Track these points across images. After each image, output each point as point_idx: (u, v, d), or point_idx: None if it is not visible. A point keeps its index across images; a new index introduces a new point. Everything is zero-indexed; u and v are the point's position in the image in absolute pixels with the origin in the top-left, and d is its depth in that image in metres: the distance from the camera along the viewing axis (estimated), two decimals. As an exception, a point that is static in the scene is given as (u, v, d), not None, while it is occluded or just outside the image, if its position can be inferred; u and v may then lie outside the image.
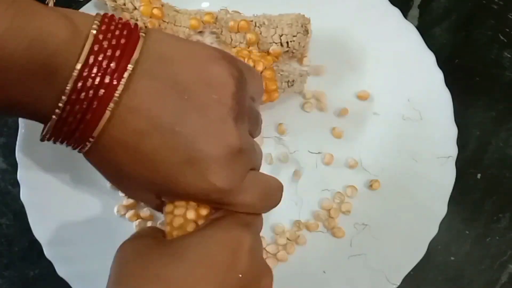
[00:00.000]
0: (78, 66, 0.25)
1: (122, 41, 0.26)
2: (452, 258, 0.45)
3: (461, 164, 0.44)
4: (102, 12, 0.28)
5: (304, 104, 0.47)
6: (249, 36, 0.44)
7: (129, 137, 0.27)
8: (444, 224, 0.43)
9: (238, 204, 0.30)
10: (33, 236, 0.42)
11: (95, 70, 0.25)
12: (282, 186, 0.33)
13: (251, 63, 0.42)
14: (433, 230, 0.43)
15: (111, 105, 0.26)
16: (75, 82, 0.25)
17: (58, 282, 0.41)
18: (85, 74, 0.25)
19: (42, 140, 0.28)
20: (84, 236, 0.43)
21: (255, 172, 0.31)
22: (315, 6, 0.48)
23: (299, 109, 0.47)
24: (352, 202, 0.45)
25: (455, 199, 0.44)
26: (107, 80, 0.25)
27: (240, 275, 0.27)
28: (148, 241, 0.30)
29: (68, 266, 0.42)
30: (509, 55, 0.51)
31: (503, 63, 0.51)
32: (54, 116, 0.26)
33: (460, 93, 0.47)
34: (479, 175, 0.48)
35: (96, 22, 0.27)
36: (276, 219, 0.44)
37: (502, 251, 0.45)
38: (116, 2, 0.46)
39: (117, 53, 0.26)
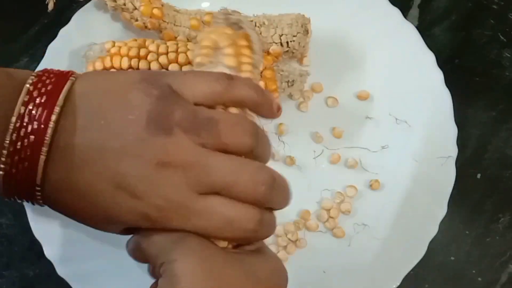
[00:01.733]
0: (13, 119, 0.26)
1: (49, 87, 0.28)
2: (452, 258, 0.45)
3: (461, 164, 0.44)
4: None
5: (299, 104, 0.47)
6: (249, 36, 0.44)
7: (65, 176, 0.27)
8: (444, 224, 0.43)
9: (191, 230, 0.28)
10: (33, 236, 0.42)
11: (26, 119, 0.27)
12: (273, 222, 0.31)
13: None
14: (433, 230, 0.42)
15: (44, 149, 0.27)
16: (11, 135, 0.26)
17: (58, 282, 0.41)
18: (17, 125, 0.26)
19: (4, 197, 0.29)
20: (84, 236, 0.43)
21: (217, 198, 0.28)
22: (315, 6, 0.48)
23: (299, 109, 0.47)
24: (352, 202, 0.45)
25: (455, 199, 0.44)
26: (35, 126, 0.27)
27: None
28: (208, 250, 0.28)
29: (68, 266, 0.42)
30: (509, 55, 0.51)
31: (503, 63, 0.51)
32: (0, 172, 0.27)
33: (460, 93, 0.47)
34: (479, 175, 0.48)
35: (31, 76, 0.28)
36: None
37: (502, 251, 0.45)
38: (116, 2, 0.46)
39: (43, 99, 0.27)
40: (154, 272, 0.28)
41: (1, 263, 0.45)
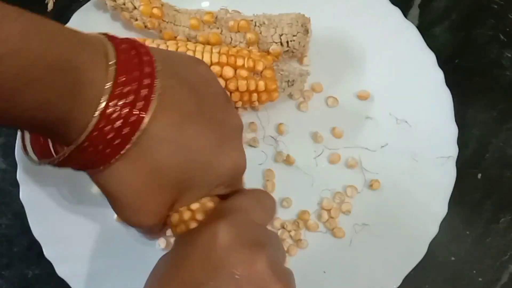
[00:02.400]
0: (104, 98, 0.25)
1: (147, 69, 0.27)
2: (452, 258, 0.45)
3: (461, 164, 0.44)
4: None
5: (299, 104, 0.47)
6: (249, 35, 0.44)
7: (167, 131, 0.28)
8: (444, 224, 0.43)
9: (240, 185, 0.34)
10: (33, 236, 0.42)
11: (121, 102, 0.26)
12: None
13: (251, 63, 0.42)
14: (433, 230, 0.42)
15: (133, 138, 0.27)
16: (102, 113, 0.26)
17: (58, 282, 0.41)
18: (110, 108, 0.26)
19: (47, 163, 0.28)
20: (84, 236, 0.43)
21: None
22: (315, 6, 0.48)
23: (299, 109, 0.47)
24: (352, 202, 0.45)
25: (455, 199, 0.44)
26: (135, 113, 0.26)
27: None
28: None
29: (68, 266, 0.42)
30: (509, 55, 0.51)
31: (503, 63, 0.51)
32: (81, 138, 0.26)
33: (460, 93, 0.47)
34: (479, 175, 0.48)
35: (108, 43, 0.27)
36: (275, 218, 0.44)
37: (502, 251, 0.45)
38: (116, 1, 0.46)
39: (146, 69, 0.27)
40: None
41: (1, 263, 0.45)
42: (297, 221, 0.44)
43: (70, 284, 0.41)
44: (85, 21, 0.48)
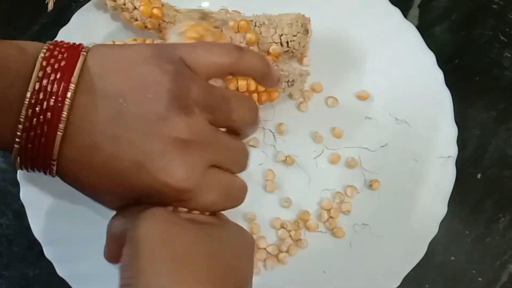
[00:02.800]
0: (28, 94, 0.27)
1: (62, 63, 0.27)
2: (452, 258, 0.45)
3: (461, 164, 0.44)
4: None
5: (299, 104, 0.47)
6: (249, 36, 0.44)
7: (81, 153, 0.28)
8: (444, 224, 0.43)
9: (199, 204, 0.29)
10: (33, 236, 0.42)
11: (41, 96, 0.27)
12: (246, 187, 0.32)
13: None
14: (433, 230, 0.42)
15: (61, 126, 0.27)
16: (27, 110, 0.27)
17: (58, 282, 0.41)
18: (32, 101, 0.27)
19: (16, 168, 0.29)
20: (84, 236, 0.43)
21: (216, 170, 0.30)
22: (315, 6, 0.48)
23: (299, 109, 0.47)
24: (352, 202, 0.45)
25: (455, 199, 0.44)
26: (51, 102, 0.27)
27: None
28: (169, 217, 0.29)
29: (68, 266, 0.42)
30: (509, 55, 0.51)
31: (503, 63, 0.51)
32: (15, 145, 0.27)
33: (460, 93, 0.47)
34: (479, 175, 0.48)
35: (43, 49, 0.28)
36: (275, 217, 0.44)
37: (502, 251, 0.45)
38: (116, 2, 0.46)
39: (58, 75, 0.27)
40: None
41: (1, 263, 0.45)
42: (297, 221, 0.44)
43: (70, 284, 0.41)
44: (85, 22, 0.48)
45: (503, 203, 0.47)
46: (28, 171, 0.29)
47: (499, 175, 0.48)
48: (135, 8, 0.46)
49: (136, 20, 0.46)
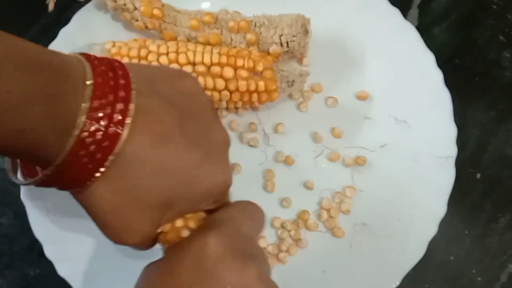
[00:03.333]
0: (84, 112, 0.25)
1: (121, 81, 0.27)
2: (452, 258, 0.45)
3: (460, 164, 0.44)
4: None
5: (299, 104, 0.47)
6: (249, 36, 0.44)
7: (144, 152, 0.28)
8: (444, 224, 0.43)
9: (227, 195, 0.33)
10: (33, 235, 0.42)
11: (100, 114, 0.26)
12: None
13: (251, 63, 0.42)
14: (433, 230, 0.43)
15: (111, 157, 0.26)
16: (77, 138, 0.25)
17: (58, 282, 0.41)
18: (84, 133, 0.26)
19: (29, 184, 0.28)
20: (84, 236, 0.43)
21: None
22: (315, 6, 0.48)
23: (299, 109, 0.47)
24: (351, 202, 0.45)
25: (455, 199, 0.44)
26: (112, 130, 0.26)
27: None
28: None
29: (68, 265, 0.42)
30: (509, 55, 0.51)
31: (503, 63, 0.51)
32: (57, 162, 0.26)
33: (460, 93, 0.47)
34: (478, 175, 0.48)
35: (87, 64, 0.27)
36: (275, 217, 0.44)
37: (501, 251, 0.45)
38: (116, 2, 0.46)
39: (121, 93, 0.27)
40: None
41: (1, 263, 0.45)
42: (297, 221, 0.44)
43: (71, 283, 0.41)
44: (85, 22, 0.48)
45: (502, 203, 0.47)
46: (47, 185, 0.28)
47: (499, 175, 0.48)
48: (136, 8, 0.46)
49: (137, 20, 0.46)
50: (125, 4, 0.46)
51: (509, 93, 0.50)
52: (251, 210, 0.33)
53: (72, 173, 0.27)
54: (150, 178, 0.28)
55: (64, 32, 0.47)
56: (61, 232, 0.43)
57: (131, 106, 0.27)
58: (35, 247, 0.43)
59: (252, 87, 0.43)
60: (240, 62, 0.42)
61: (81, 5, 0.49)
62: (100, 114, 0.26)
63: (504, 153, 0.48)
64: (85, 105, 0.25)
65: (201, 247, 0.29)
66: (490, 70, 0.51)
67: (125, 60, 0.43)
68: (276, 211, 0.45)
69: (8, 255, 0.45)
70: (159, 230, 0.31)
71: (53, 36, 0.47)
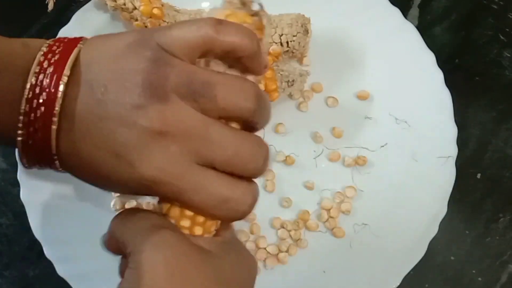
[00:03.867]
0: (26, 90, 0.27)
1: (57, 57, 0.28)
2: (452, 258, 0.45)
3: (461, 164, 0.44)
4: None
5: (299, 104, 0.47)
6: (249, 36, 0.44)
7: (72, 145, 0.28)
8: (444, 224, 0.43)
9: (188, 204, 0.27)
10: (33, 236, 0.42)
11: (37, 90, 0.27)
12: (252, 198, 0.29)
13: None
14: (433, 230, 0.43)
15: (54, 119, 0.27)
16: (24, 105, 0.27)
17: (58, 282, 0.41)
18: (30, 96, 0.27)
19: (24, 166, 0.29)
20: (84, 236, 0.43)
21: (211, 171, 0.27)
22: (315, 6, 0.48)
23: (299, 109, 0.47)
24: (351, 202, 0.45)
25: (455, 199, 0.44)
26: (45, 96, 0.27)
27: None
28: (179, 247, 0.27)
29: (68, 266, 0.42)
30: (509, 55, 0.51)
31: (503, 63, 0.51)
32: (18, 140, 0.27)
33: (460, 93, 0.47)
34: (479, 175, 0.48)
35: (44, 45, 0.29)
36: (275, 217, 0.44)
37: (502, 251, 0.45)
38: (116, 2, 0.46)
39: (51, 69, 0.27)
40: (122, 264, 0.30)
41: (1, 263, 0.45)
42: (297, 221, 0.44)
43: (71, 283, 0.41)
44: (85, 22, 0.48)
45: (503, 203, 0.47)
46: (35, 167, 0.29)
47: (499, 175, 0.48)
48: (135, 8, 0.46)
49: (136, 20, 0.46)
50: (124, 4, 0.46)
51: (510, 93, 0.50)
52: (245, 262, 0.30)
53: (35, 146, 0.28)
54: (82, 171, 0.29)
55: (63, 32, 0.47)
56: (60, 232, 0.43)
57: (59, 94, 0.27)
58: (35, 247, 0.43)
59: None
60: (240, 62, 0.42)
61: (80, 5, 0.49)
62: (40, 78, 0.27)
63: (505, 153, 0.48)
64: (23, 107, 0.27)
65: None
66: (490, 70, 0.51)
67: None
68: (276, 211, 0.45)
69: (8, 255, 0.45)
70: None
71: (53, 36, 0.47)
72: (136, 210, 0.29)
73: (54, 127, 0.27)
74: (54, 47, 0.29)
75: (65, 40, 0.29)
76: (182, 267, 0.26)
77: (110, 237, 0.29)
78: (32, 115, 0.27)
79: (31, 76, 0.27)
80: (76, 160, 0.28)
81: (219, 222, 0.29)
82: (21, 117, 0.27)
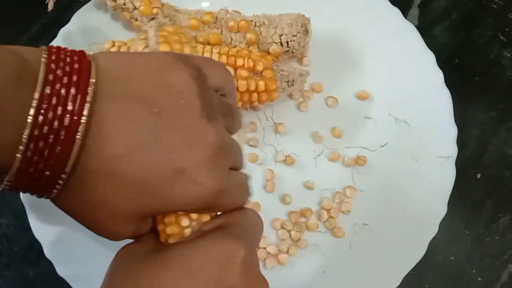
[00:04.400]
0: (35, 100, 0.24)
1: (76, 66, 0.25)
2: (452, 258, 0.45)
3: (461, 164, 0.44)
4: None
5: (299, 104, 0.47)
6: (249, 36, 0.44)
7: (107, 164, 0.25)
8: (444, 224, 0.43)
9: (225, 204, 0.29)
10: (33, 236, 0.42)
11: (54, 101, 0.24)
12: (249, 177, 0.32)
13: (251, 63, 0.42)
14: (433, 230, 0.42)
15: (79, 133, 0.24)
16: (36, 116, 0.24)
17: (58, 282, 0.41)
18: (44, 106, 0.24)
19: (4, 189, 0.26)
20: (84, 236, 0.43)
21: (232, 170, 0.30)
22: (315, 6, 0.48)
23: (299, 109, 0.47)
24: (352, 202, 0.45)
25: (455, 199, 0.44)
26: (70, 107, 0.24)
27: None
28: (144, 247, 0.29)
29: (68, 266, 0.42)
30: (509, 55, 0.51)
31: (503, 63, 0.51)
32: (18, 155, 0.24)
33: (460, 93, 0.47)
34: (479, 175, 0.48)
35: (44, 52, 0.25)
36: (275, 218, 0.44)
37: (502, 251, 0.45)
38: (116, 2, 0.46)
39: (74, 78, 0.25)
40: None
41: (1, 263, 0.45)
42: (299, 223, 0.44)
43: (71, 283, 0.41)
44: (85, 22, 0.48)
45: (503, 203, 0.47)
46: (16, 191, 0.27)
47: (499, 175, 0.48)
48: (135, 8, 0.46)
49: (136, 20, 0.46)
50: (124, 4, 0.46)
51: (510, 93, 0.50)
52: (255, 219, 0.32)
53: (33, 181, 0.25)
54: (114, 192, 0.26)
55: (63, 32, 0.47)
56: (60, 232, 0.43)
57: (83, 119, 0.24)
58: (35, 247, 0.43)
59: (252, 87, 0.43)
60: (240, 62, 0.42)
61: (80, 5, 0.49)
62: (45, 128, 0.24)
63: (505, 153, 0.48)
64: (30, 121, 0.23)
65: (224, 256, 0.28)
66: (490, 70, 0.51)
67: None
68: (276, 211, 0.45)
69: (8, 255, 0.45)
70: (158, 227, 0.30)
71: (53, 36, 0.47)
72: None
73: (78, 141, 0.24)
74: (62, 56, 0.25)
75: (67, 49, 0.26)
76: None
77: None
78: (46, 128, 0.24)
79: (41, 85, 0.24)
80: (101, 179, 0.26)
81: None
82: (28, 130, 0.23)
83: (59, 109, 0.24)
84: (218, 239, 0.28)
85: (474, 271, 0.45)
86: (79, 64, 0.25)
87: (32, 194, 0.27)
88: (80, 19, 0.48)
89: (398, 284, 0.41)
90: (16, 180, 0.25)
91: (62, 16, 0.51)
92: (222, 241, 0.28)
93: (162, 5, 0.46)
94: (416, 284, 0.44)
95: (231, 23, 0.45)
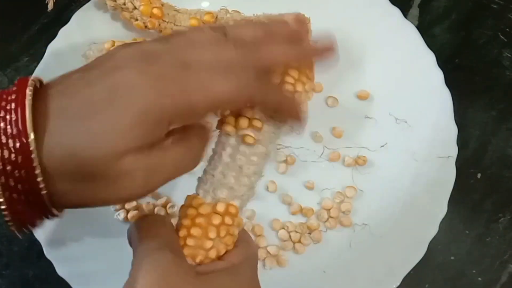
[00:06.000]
0: None
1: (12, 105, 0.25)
2: (452, 258, 0.45)
3: (461, 164, 0.44)
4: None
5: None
6: (249, 36, 0.44)
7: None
8: (444, 224, 0.43)
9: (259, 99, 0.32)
10: (33, 236, 0.42)
11: (3, 138, 0.24)
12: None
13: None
14: (433, 230, 0.42)
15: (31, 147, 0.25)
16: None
17: (58, 282, 0.41)
18: None
19: (17, 232, 0.28)
20: (84, 236, 0.43)
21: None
22: (315, 6, 0.48)
23: (299, 109, 0.47)
24: (352, 202, 0.45)
25: (455, 199, 0.44)
26: (15, 131, 0.24)
27: None
28: (178, 268, 0.29)
29: (68, 266, 0.42)
30: (509, 55, 0.51)
31: (503, 63, 0.51)
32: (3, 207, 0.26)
33: (460, 93, 0.47)
34: (479, 175, 0.48)
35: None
36: (275, 219, 0.44)
37: (502, 251, 0.45)
38: (116, 1, 0.46)
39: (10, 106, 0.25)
40: None
41: (1, 263, 0.45)
42: (301, 225, 0.44)
43: (70, 283, 0.41)
44: (85, 21, 0.48)
45: (503, 203, 0.47)
46: (27, 228, 0.28)
47: (499, 175, 0.47)
48: (135, 8, 0.46)
49: (136, 20, 0.46)
50: (124, 4, 0.46)
51: (510, 92, 0.50)
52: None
53: (27, 204, 0.26)
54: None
55: (63, 32, 0.47)
56: (60, 232, 0.43)
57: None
58: (35, 247, 0.43)
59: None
60: (240, 62, 0.42)
61: (80, 4, 0.49)
62: None
63: (505, 153, 0.48)
64: None
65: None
66: (490, 69, 0.51)
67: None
68: (276, 211, 0.45)
69: (8, 255, 0.45)
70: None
71: (53, 35, 0.47)
72: (152, 224, 0.30)
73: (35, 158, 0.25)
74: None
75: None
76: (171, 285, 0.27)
77: (130, 231, 0.31)
78: (7, 161, 0.24)
79: None
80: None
81: (222, 249, 0.31)
82: None
83: (10, 141, 0.24)
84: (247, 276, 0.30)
85: (474, 271, 0.45)
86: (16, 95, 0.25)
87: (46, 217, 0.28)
88: (80, 19, 0.48)
89: (398, 284, 0.41)
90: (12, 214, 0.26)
91: (62, 15, 0.51)
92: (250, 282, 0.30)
93: (162, 5, 0.46)
94: (416, 284, 0.44)
95: (231, 23, 0.45)
